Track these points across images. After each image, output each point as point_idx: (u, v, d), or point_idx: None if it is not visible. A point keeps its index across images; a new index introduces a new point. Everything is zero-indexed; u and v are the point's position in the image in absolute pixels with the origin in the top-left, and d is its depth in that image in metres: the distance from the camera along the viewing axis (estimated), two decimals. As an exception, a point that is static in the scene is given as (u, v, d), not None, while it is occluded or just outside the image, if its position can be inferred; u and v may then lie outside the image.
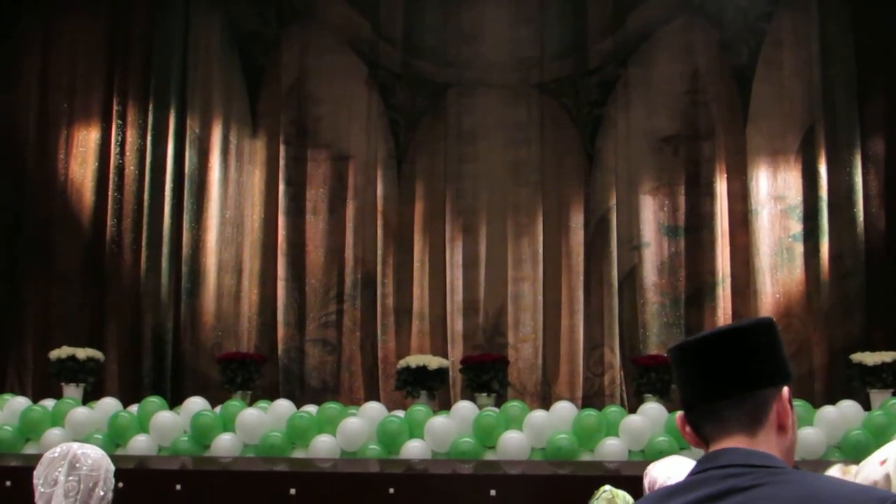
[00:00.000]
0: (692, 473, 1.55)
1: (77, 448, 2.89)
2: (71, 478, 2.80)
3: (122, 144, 10.23)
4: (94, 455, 2.87)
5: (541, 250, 10.03)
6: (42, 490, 2.81)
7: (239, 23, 10.52)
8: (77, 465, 2.82)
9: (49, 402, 8.13)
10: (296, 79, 10.43)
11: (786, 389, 1.59)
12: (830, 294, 9.49)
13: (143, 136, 10.22)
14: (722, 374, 1.57)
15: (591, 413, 7.60)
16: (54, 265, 10.04)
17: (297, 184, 10.30)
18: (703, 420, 1.59)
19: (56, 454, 2.86)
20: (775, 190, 9.88)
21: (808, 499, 1.39)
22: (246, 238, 10.22)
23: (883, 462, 1.71)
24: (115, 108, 10.25)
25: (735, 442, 1.56)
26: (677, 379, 1.64)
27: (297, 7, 10.60)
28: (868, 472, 1.73)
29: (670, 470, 2.86)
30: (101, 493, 2.84)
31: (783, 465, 1.49)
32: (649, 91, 10.17)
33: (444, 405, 8.66)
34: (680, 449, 7.13)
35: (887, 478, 1.67)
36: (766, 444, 1.55)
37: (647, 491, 2.87)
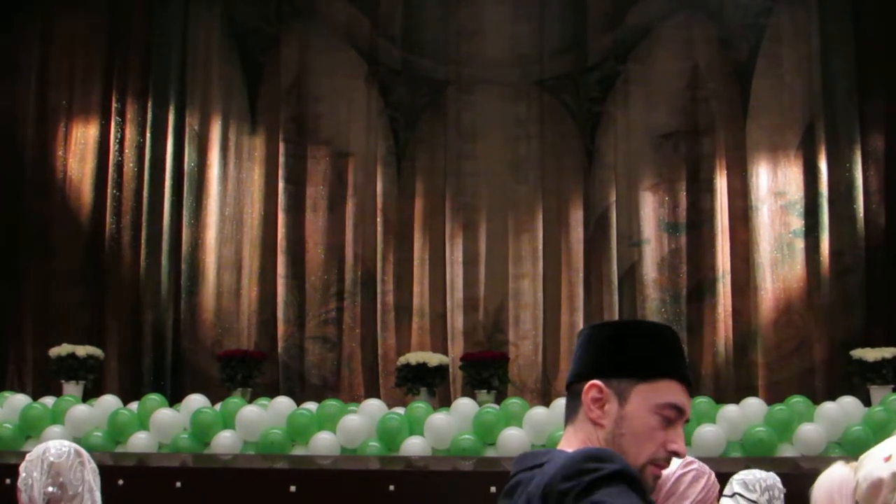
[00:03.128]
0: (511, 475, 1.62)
1: (49, 445, 2.99)
2: (40, 476, 2.88)
3: (121, 141, 10.21)
4: (63, 450, 2.95)
5: (541, 247, 10.03)
6: (24, 492, 2.90)
7: (238, 19, 10.51)
8: (47, 462, 2.90)
9: (49, 400, 8.13)
10: (295, 76, 10.42)
11: (592, 382, 1.62)
12: (831, 290, 9.48)
13: (142, 133, 10.21)
14: (571, 369, 1.70)
15: (591, 410, 7.59)
16: (54, 262, 10.03)
17: (296, 181, 10.29)
18: None
19: (32, 456, 2.95)
20: (775, 186, 9.87)
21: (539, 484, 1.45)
22: (246, 235, 10.22)
23: (888, 458, 1.69)
24: (114, 104, 10.24)
25: (566, 433, 1.66)
26: None
27: (296, 4, 10.58)
28: (871, 468, 1.71)
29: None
30: (73, 491, 2.90)
31: (547, 460, 1.52)
32: (649, 87, 10.16)
33: (445, 402, 8.67)
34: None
35: (895, 476, 1.66)
36: (582, 435, 1.62)
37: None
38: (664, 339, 1.68)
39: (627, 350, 1.63)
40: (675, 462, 2.76)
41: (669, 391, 1.62)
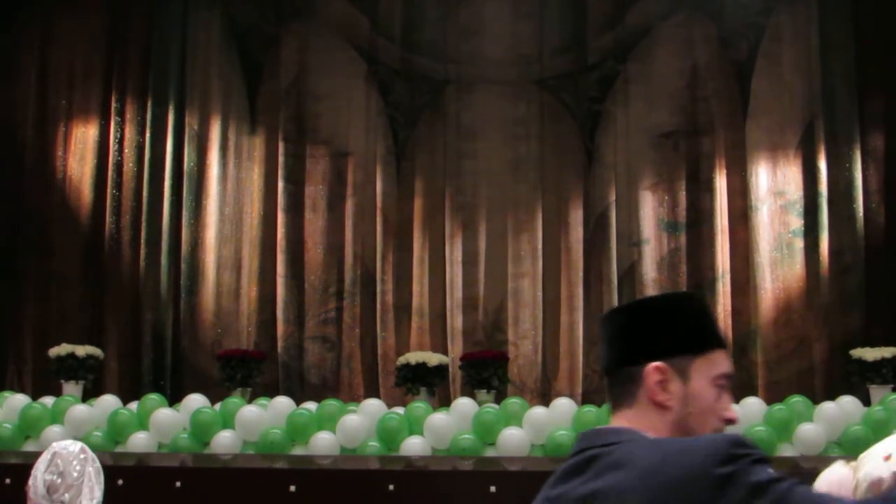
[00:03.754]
0: (570, 454, 1.57)
1: (59, 442, 3.21)
2: (48, 475, 3.07)
3: (120, 141, 10.21)
4: (70, 449, 3.15)
5: (540, 247, 10.03)
6: (31, 486, 3.09)
7: (238, 19, 10.51)
8: (55, 460, 3.10)
9: (49, 400, 8.12)
10: (295, 75, 10.42)
11: (654, 365, 1.57)
12: (830, 290, 9.48)
13: (141, 133, 10.21)
14: (607, 350, 1.63)
15: (590, 409, 7.60)
16: (53, 262, 10.03)
17: (296, 181, 10.28)
18: (606, 394, 1.64)
19: (43, 454, 3.15)
20: (775, 185, 9.87)
21: (651, 468, 1.40)
22: (245, 235, 10.21)
23: (888, 458, 1.69)
24: (113, 104, 10.24)
25: (618, 418, 1.60)
26: None
27: (296, 3, 10.58)
28: (871, 467, 1.71)
29: None
30: (71, 481, 3.08)
31: (628, 439, 1.49)
32: (649, 87, 10.16)
33: (444, 402, 8.66)
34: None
35: (895, 475, 1.66)
36: (644, 420, 1.56)
37: None
38: (705, 309, 1.66)
39: (678, 326, 1.59)
40: None
41: (722, 360, 1.60)
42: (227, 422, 7.65)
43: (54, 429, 7.59)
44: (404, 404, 8.10)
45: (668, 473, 1.39)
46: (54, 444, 3.18)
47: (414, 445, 7.34)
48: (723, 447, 1.39)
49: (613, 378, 1.63)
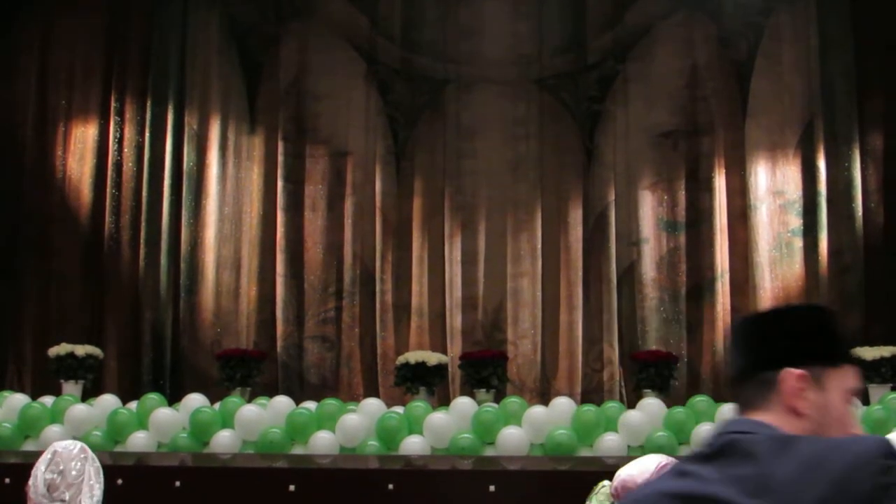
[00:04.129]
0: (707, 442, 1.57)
1: (59, 442, 3.25)
2: (49, 474, 3.11)
3: (120, 141, 10.21)
4: (70, 448, 3.19)
5: (540, 246, 10.03)
6: (31, 485, 3.12)
7: (237, 19, 10.51)
8: (55, 459, 3.13)
9: (48, 399, 8.12)
10: (294, 75, 10.42)
11: (796, 372, 1.56)
12: (829, 289, 9.48)
13: (141, 133, 10.21)
14: (742, 354, 1.63)
15: (590, 408, 7.60)
16: (53, 262, 10.03)
17: (295, 180, 10.29)
18: (733, 398, 1.63)
19: (44, 454, 3.19)
20: (774, 185, 9.87)
21: (812, 458, 1.40)
22: (244, 235, 10.22)
23: None
24: (113, 104, 10.24)
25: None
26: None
27: (295, 3, 10.58)
28: None
29: (636, 467, 2.73)
30: (71, 479, 3.10)
31: (786, 434, 1.49)
32: (648, 86, 10.16)
33: (444, 401, 8.67)
34: (678, 444, 7.14)
35: None
36: (777, 424, 1.55)
37: (614, 495, 2.75)
38: (839, 324, 1.67)
39: (818, 337, 1.61)
40: (649, 467, 2.69)
41: (853, 376, 1.61)
42: (227, 421, 7.65)
43: (54, 428, 7.59)
44: (404, 404, 8.10)
45: (828, 467, 1.39)
46: (54, 444, 3.20)
47: (413, 445, 7.34)
48: (880, 454, 1.39)
49: (746, 382, 1.62)
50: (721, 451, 1.48)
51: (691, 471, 1.48)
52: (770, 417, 1.55)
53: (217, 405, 7.88)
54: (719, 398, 8.15)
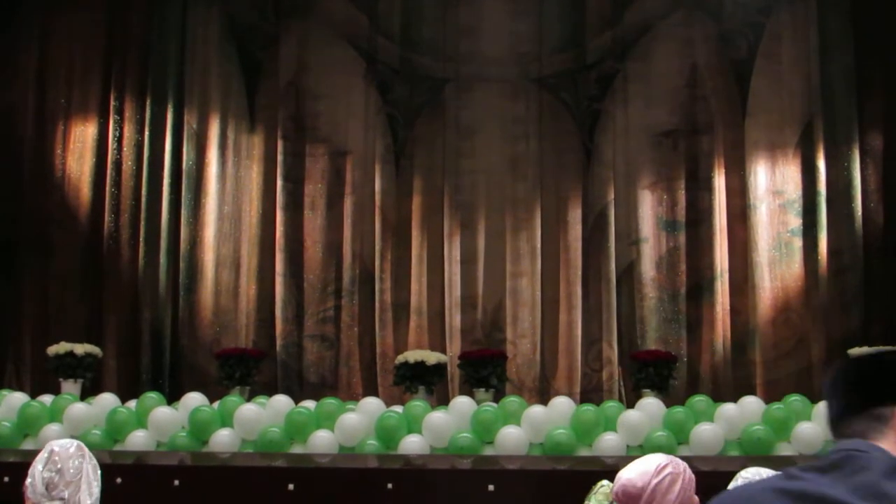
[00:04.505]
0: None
1: (56, 441, 3.27)
2: (46, 472, 3.12)
3: (119, 139, 10.21)
4: (67, 446, 3.20)
5: (539, 245, 10.03)
6: (29, 484, 3.13)
7: (237, 17, 10.50)
8: (53, 458, 3.14)
9: (47, 398, 8.12)
10: (294, 74, 10.42)
11: None
12: (829, 289, 9.49)
13: (140, 132, 10.21)
14: (850, 392, 1.75)
15: (589, 408, 7.60)
16: (52, 261, 10.03)
17: (295, 179, 10.28)
18: (838, 431, 1.74)
19: (41, 453, 3.20)
20: (774, 184, 9.87)
21: None
22: (244, 233, 10.21)
23: None
24: (112, 102, 10.23)
25: None
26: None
27: (295, 2, 10.58)
28: None
29: (636, 470, 2.62)
30: (70, 477, 3.11)
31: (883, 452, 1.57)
32: (648, 85, 10.16)
33: (443, 400, 8.66)
34: (678, 443, 7.14)
35: None
36: None
37: (615, 498, 2.70)
38: None
39: None
40: (649, 469, 2.66)
41: None
42: (226, 420, 7.65)
43: (53, 427, 7.58)
44: (403, 403, 8.10)
45: None
46: (51, 443, 3.21)
47: (412, 444, 7.34)
48: None
49: (856, 417, 1.72)
50: (836, 463, 1.57)
51: (803, 476, 1.55)
52: (883, 445, 1.64)
53: (216, 404, 7.88)
54: (718, 398, 8.15)
